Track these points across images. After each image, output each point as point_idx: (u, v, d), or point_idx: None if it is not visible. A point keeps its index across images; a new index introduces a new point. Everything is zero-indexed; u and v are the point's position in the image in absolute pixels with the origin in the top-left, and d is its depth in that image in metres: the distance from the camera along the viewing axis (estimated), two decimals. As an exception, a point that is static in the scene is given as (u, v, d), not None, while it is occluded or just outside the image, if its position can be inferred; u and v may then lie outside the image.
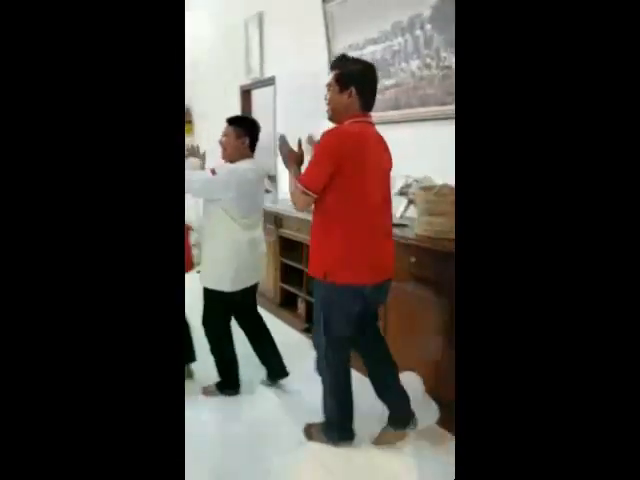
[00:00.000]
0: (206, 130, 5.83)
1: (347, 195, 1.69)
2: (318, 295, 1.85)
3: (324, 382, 1.97)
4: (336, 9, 3.17)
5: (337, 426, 1.97)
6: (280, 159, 1.97)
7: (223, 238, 2.16)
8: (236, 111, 4.83)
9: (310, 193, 1.69)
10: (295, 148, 1.89)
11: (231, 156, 2.21)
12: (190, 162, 2.22)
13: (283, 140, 1.87)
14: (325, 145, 1.68)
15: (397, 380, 1.99)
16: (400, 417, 1.97)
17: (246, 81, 4.63)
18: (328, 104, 1.80)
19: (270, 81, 4.19)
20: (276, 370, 2.47)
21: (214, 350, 2.38)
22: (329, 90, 1.79)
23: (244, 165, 2.16)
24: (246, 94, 4.77)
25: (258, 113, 4.66)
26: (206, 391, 2.42)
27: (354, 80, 1.72)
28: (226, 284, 2.19)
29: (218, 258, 2.18)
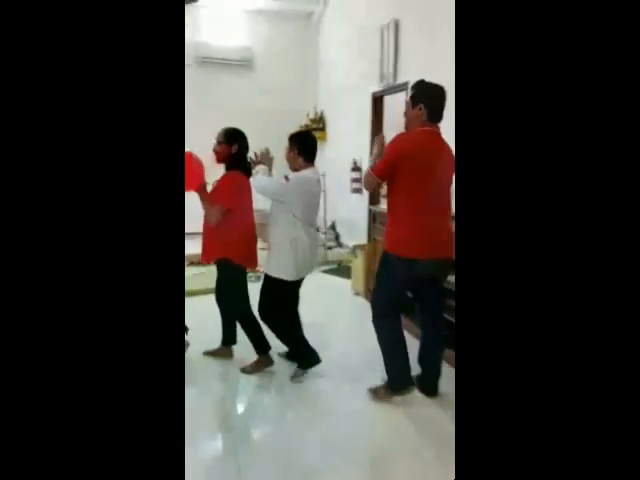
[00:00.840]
0: (339, 137, 6.02)
1: (406, 187, 2.18)
2: (381, 263, 2.36)
3: (379, 343, 2.40)
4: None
5: (397, 382, 2.37)
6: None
7: (287, 234, 2.50)
8: (367, 117, 4.92)
9: (375, 178, 2.24)
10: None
11: (291, 166, 2.59)
12: (258, 169, 2.57)
13: (378, 140, 2.42)
14: (391, 146, 2.22)
15: (438, 351, 2.44)
16: (424, 385, 2.45)
17: (378, 87, 4.70)
18: (404, 116, 2.31)
19: (403, 87, 4.20)
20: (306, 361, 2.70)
21: (282, 337, 2.63)
22: (406, 105, 2.30)
23: (307, 173, 2.54)
24: (378, 100, 4.83)
25: (389, 119, 4.69)
26: (294, 377, 2.62)
27: (423, 98, 2.21)
28: (288, 273, 2.52)
29: (282, 251, 2.51)
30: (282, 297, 2.59)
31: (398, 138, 2.21)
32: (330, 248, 5.61)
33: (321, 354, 2.65)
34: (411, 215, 2.19)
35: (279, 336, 2.64)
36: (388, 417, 2.28)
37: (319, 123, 6.42)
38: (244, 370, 2.68)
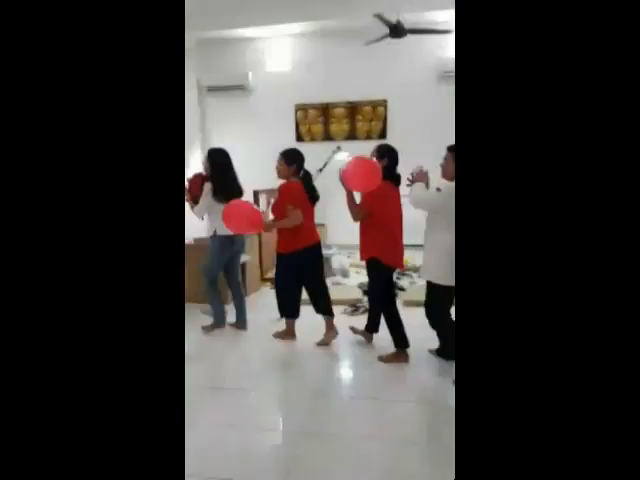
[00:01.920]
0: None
1: None
2: None
3: None
4: None
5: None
6: None
7: (439, 242, 2.63)
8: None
9: None
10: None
11: (447, 175, 2.65)
12: (417, 185, 2.73)
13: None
14: None
15: None
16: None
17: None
18: None
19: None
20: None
21: (440, 331, 2.86)
22: None
23: None
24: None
25: None
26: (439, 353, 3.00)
27: None
28: (439, 278, 2.66)
29: (434, 257, 2.67)
30: (437, 298, 2.75)
31: None
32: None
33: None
34: None
35: (438, 335, 2.89)
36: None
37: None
38: (381, 358, 3.01)
